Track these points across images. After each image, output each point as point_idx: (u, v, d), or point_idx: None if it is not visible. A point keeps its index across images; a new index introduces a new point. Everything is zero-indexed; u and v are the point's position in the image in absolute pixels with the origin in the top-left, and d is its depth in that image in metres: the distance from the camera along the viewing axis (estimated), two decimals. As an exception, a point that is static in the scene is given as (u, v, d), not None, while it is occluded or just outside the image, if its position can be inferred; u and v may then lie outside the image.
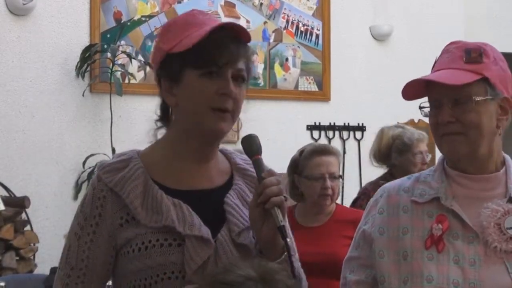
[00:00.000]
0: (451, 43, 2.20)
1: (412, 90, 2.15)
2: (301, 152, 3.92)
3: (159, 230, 1.99)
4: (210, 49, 1.98)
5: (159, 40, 2.08)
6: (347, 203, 6.16)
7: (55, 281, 2.06)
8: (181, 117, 2.05)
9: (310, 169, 3.82)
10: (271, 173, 1.98)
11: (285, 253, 1.98)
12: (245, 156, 2.14)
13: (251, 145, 2.02)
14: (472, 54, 2.12)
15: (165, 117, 2.11)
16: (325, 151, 3.89)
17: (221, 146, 2.13)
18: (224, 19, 6.18)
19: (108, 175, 2.03)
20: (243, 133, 2.15)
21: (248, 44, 2.06)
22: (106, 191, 2.02)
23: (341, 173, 4.01)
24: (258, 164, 2.01)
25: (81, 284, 2.02)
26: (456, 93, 2.09)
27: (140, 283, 2.00)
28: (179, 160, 2.06)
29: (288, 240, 1.99)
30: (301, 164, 3.84)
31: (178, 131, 2.07)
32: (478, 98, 2.09)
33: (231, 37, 2.01)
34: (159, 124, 2.12)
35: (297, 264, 2.08)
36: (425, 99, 2.18)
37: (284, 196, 1.96)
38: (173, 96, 2.04)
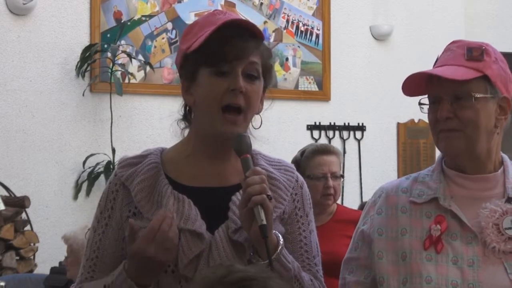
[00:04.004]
0: (453, 42, 2.20)
1: (412, 85, 2.16)
2: (302, 152, 3.91)
3: None
4: (218, 46, 2.00)
5: (181, 42, 2.12)
6: (347, 203, 6.17)
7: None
8: (197, 116, 2.09)
9: (312, 168, 3.81)
10: (255, 172, 1.97)
11: (277, 252, 1.98)
12: (271, 158, 2.16)
13: (240, 144, 2.02)
14: (474, 52, 2.13)
15: (186, 116, 2.14)
16: (326, 150, 3.89)
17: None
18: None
19: (122, 169, 2.09)
20: (262, 133, 2.15)
21: (263, 41, 2.07)
22: (119, 185, 2.08)
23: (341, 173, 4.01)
24: (245, 163, 2.00)
25: (92, 273, 2.08)
26: (456, 89, 2.10)
27: None
28: (195, 158, 2.09)
29: (281, 240, 1.99)
30: (302, 164, 3.83)
31: (195, 130, 2.10)
32: (478, 95, 2.10)
33: (240, 33, 2.02)
34: (181, 123, 2.14)
35: (317, 268, 2.12)
36: (424, 96, 2.18)
37: (268, 195, 1.94)
38: (190, 96, 2.07)
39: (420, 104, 2.18)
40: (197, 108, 2.07)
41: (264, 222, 1.92)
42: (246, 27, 2.04)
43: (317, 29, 6.88)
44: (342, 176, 3.95)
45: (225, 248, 1.99)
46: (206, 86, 2.02)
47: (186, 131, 2.14)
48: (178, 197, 2.03)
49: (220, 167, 2.09)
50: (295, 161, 3.88)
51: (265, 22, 6.67)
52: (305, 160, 3.85)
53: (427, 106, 2.17)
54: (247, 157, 2.01)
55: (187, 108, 2.13)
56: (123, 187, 2.07)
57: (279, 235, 2.03)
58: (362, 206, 4.81)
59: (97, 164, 5.99)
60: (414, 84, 2.16)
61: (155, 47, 6.33)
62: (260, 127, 2.12)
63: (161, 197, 2.03)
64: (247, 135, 2.04)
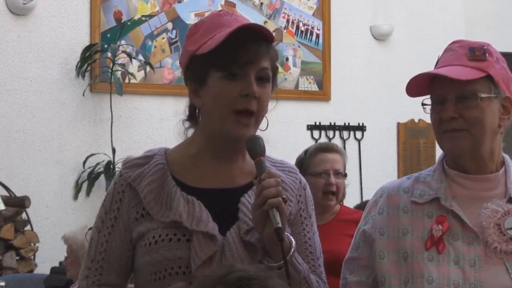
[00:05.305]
0: (454, 42, 2.20)
1: (415, 86, 2.16)
2: (306, 151, 3.92)
3: (169, 225, 2.01)
4: (231, 50, 1.98)
5: (186, 42, 2.09)
6: (347, 203, 6.16)
7: (79, 273, 2.14)
8: (206, 119, 2.07)
9: (314, 166, 3.81)
10: (270, 174, 1.97)
11: (290, 254, 1.98)
12: (275, 159, 2.16)
13: (255, 146, 2.01)
14: (476, 52, 2.13)
15: (192, 117, 2.12)
16: (329, 148, 3.90)
17: None
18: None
19: (128, 170, 2.08)
20: (263, 133, 2.15)
21: (273, 44, 2.06)
22: (125, 186, 2.07)
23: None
24: (259, 165, 2.00)
25: (99, 276, 2.07)
26: (460, 89, 2.10)
27: (151, 278, 2.02)
28: (202, 159, 2.08)
29: (293, 242, 2.00)
30: (305, 162, 3.83)
31: (203, 132, 2.08)
32: (482, 95, 2.10)
33: (253, 37, 2.00)
34: (186, 123, 2.13)
35: (321, 269, 2.12)
36: (427, 96, 2.18)
37: (283, 198, 1.95)
38: (199, 98, 2.06)
39: (423, 104, 2.18)
40: (207, 111, 2.05)
41: (280, 224, 1.92)
42: (259, 30, 2.02)
43: (317, 29, 6.88)
44: (346, 175, 3.94)
45: (238, 249, 1.99)
46: (217, 89, 2.01)
47: (190, 132, 2.13)
48: (188, 199, 2.03)
49: (227, 168, 2.08)
50: (299, 161, 3.88)
51: (265, 22, 6.66)
52: (308, 158, 3.85)
53: (430, 107, 2.17)
54: (262, 160, 2.00)
55: (194, 109, 2.11)
56: (129, 188, 2.06)
57: (291, 237, 2.03)
58: (360, 205, 4.80)
59: (97, 164, 5.99)
60: (417, 85, 2.16)
61: (155, 47, 6.33)
62: (266, 128, 2.11)
63: (170, 198, 2.03)
64: (261, 138, 2.03)
